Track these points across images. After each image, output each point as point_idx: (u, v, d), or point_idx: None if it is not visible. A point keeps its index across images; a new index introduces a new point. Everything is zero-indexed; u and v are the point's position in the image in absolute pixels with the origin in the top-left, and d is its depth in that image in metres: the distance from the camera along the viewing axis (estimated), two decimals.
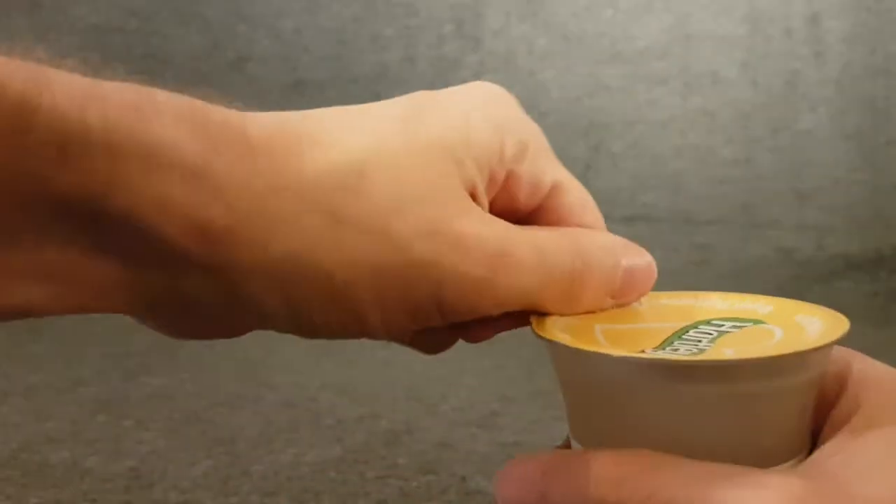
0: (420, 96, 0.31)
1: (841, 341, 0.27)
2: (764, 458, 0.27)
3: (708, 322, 0.30)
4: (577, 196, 0.32)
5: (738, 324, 0.30)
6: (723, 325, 0.30)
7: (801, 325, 0.29)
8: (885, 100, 1.30)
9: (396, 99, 0.31)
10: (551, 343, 0.28)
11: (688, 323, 0.30)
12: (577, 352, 0.27)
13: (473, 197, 0.29)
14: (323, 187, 0.26)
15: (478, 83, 0.32)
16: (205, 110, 0.26)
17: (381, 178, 0.27)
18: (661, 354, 0.27)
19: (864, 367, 0.29)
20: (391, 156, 0.28)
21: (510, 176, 0.31)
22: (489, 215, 0.30)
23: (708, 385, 0.26)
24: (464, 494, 0.54)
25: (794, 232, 1.27)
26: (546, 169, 0.31)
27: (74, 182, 0.24)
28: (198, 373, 0.84)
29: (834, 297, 1.14)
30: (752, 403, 0.27)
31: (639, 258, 0.32)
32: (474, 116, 0.30)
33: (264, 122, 0.27)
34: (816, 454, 0.27)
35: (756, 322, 0.30)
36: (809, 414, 0.28)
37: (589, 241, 0.31)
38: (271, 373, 0.84)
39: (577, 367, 0.29)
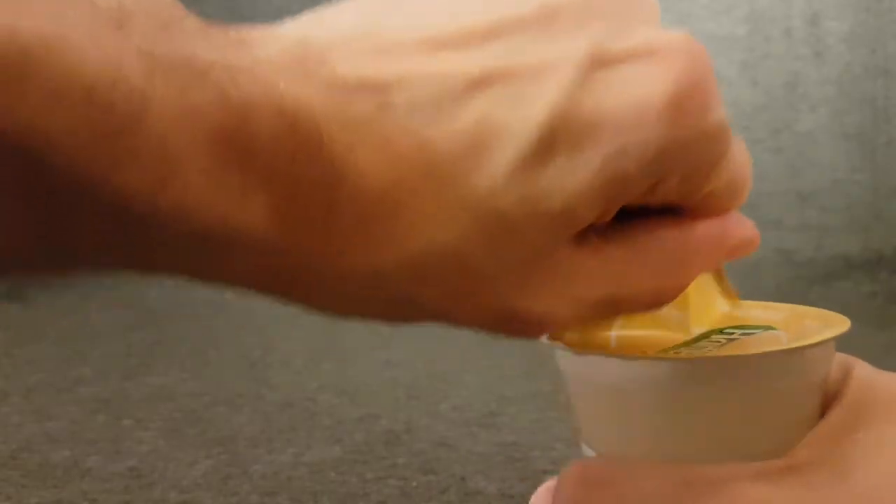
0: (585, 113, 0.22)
1: (837, 341, 0.28)
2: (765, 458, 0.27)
3: (721, 331, 0.31)
4: (725, 196, 0.26)
5: (748, 331, 0.30)
6: (733, 334, 0.30)
7: (807, 330, 0.29)
8: (885, 100, 1.30)
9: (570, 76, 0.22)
10: (557, 348, 0.29)
11: (701, 332, 0.31)
12: (576, 356, 0.28)
13: (585, 227, 0.24)
14: (398, 280, 0.23)
15: (676, 44, 0.23)
16: (310, 167, 0.21)
17: (453, 267, 0.23)
18: (652, 355, 0.28)
19: (862, 372, 0.29)
20: (486, 236, 0.23)
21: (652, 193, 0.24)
22: (579, 268, 0.24)
23: (698, 384, 0.27)
24: (463, 494, 0.54)
25: (795, 232, 1.27)
26: (704, 184, 0.25)
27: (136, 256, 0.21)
28: (198, 372, 0.84)
29: (834, 298, 1.14)
30: (746, 404, 0.27)
31: (742, 237, 0.27)
32: (640, 139, 0.22)
33: (375, 178, 0.22)
34: (789, 455, 0.27)
35: (766, 328, 0.30)
36: (814, 417, 0.29)
37: (691, 265, 0.26)
38: (271, 372, 0.84)
39: (579, 371, 0.29)
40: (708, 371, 0.27)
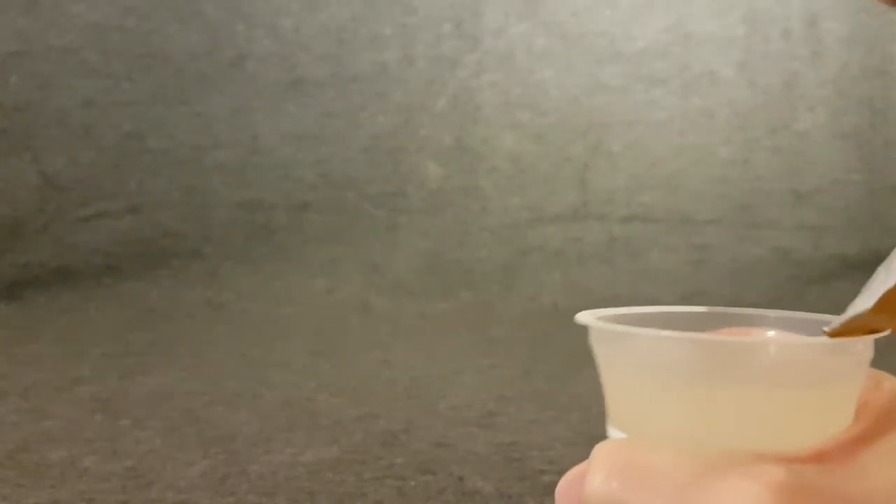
0: None
1: (853, 344, 0.28)
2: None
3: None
4: None
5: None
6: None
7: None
8: (882, 100, 1.30)
9: None
10: (596, 327, 0.29)
11: None
12: (610, 333, 0.28)
13: None
14: None
15: None
16: None
17: None
18: (682, 333, 0.28)
19: (893, 384, 0.30)
20: None
21: None
22: None
23: (727, 368, 0.27)
24: (461, 494, 0.54)
25: (792, 232, 1.27)
26: None
27: None
28: (196, 372, 0.84)
29: (831, 298, 1.14)
30: (774, 392, 0.27)
31: None
32: None
33: None
34: (815, 448, 0.27)
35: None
36: (843, 419, 0.29)
37: None
38: (269, 372, 0.84)
39: (611, 349, 0.29)
40: (737, 355, 0.27)
